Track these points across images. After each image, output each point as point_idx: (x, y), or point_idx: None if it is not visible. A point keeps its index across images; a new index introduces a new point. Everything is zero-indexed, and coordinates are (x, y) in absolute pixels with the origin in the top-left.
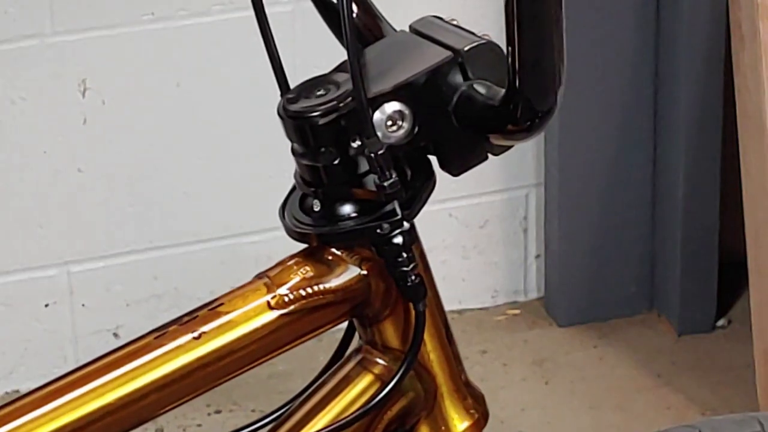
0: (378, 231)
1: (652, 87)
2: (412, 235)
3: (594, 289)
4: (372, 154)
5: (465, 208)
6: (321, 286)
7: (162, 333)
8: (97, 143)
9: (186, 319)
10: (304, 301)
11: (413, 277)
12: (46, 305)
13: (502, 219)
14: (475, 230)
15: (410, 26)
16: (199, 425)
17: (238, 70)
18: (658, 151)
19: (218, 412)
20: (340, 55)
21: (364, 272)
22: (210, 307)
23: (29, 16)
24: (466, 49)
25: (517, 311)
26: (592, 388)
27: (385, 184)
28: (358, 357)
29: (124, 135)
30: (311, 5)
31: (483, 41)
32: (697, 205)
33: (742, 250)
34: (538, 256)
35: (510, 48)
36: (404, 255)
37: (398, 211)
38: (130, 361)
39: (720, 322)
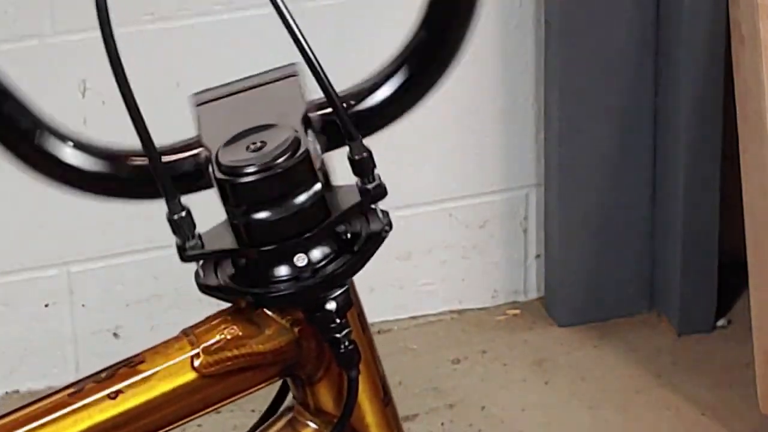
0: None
1: (652, 87)
2: (346, 300)
3: (594, 289)
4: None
5: (465, 208)
6: (248, 348)
7: (77, 390)
8: None
9: (104, 375)
10: (229, 363)
11: (347, 344)
12: (46, 305)
13: (502, 219)
14: (475, 230)
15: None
16: (199, 425)
17: (238, 70)
18: (658, 151)
19: (218, 412)
20: (340, 54)
21: (296, 335)
22: (130, 364)
23: (29, 16)
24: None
25: (517, 311)
26: (592, 388)
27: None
28: (289, 416)
29: (124, 135)
30: (311, 5)
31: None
32: (697, 205)
33: (742, 250)
34: (538, 256)
35: None
36: (337, 321)
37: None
38: (41, 418)
39: (720, 322)
